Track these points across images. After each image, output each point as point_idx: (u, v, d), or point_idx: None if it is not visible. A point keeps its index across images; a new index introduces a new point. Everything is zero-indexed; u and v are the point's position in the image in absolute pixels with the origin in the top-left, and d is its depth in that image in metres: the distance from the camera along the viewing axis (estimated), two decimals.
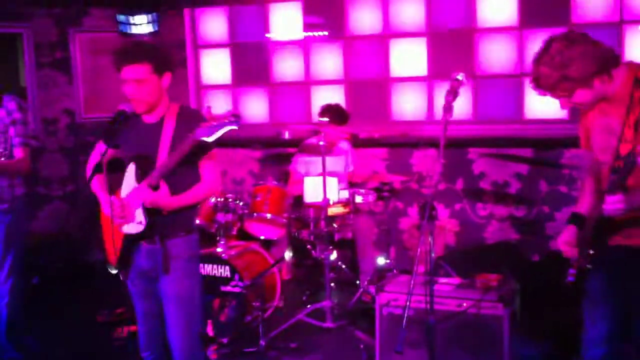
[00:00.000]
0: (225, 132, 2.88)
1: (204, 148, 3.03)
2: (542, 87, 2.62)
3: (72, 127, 6.98)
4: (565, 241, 2.88)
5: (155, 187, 2.97)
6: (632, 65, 2.65)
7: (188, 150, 2.94)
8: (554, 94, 2.63)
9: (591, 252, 2.67)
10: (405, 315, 2.57)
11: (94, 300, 5.28)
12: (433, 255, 3.00)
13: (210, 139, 2.88)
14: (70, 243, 6.44)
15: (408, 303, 2.64)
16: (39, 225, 6.91)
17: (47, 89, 6.88)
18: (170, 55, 3.20)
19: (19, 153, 3.84)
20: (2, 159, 3.68)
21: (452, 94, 2.78)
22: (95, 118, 6.92)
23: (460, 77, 2.78)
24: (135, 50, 3.04)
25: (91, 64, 6.97)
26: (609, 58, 2.59)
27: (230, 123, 2.87)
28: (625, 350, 2.86)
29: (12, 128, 3.83)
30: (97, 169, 3.07)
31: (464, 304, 3.86)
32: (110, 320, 4.99)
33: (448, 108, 2.73)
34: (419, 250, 2.61)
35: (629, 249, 2.69)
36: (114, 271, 3.23)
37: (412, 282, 2.63)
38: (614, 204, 2.43)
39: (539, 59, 2.61)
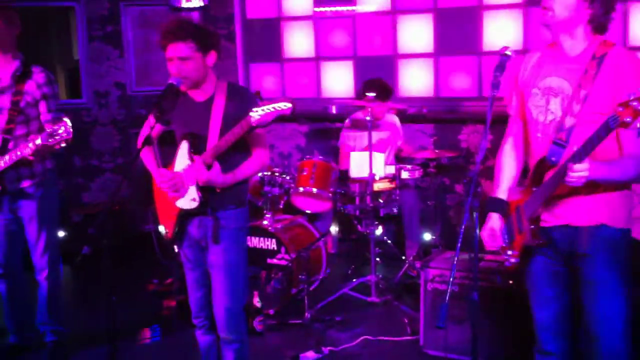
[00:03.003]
0: (279, 116, 2.91)
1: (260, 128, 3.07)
2: None
3: (123, 99, 7.11)
4: (487, 231, 2.84)
5: (209, 166, 3.04)
6: (605, 42, 2.55)
7: (242, 133, 2.99)
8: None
9: (532, 227, 2.61)
10: (449, 290, 2.57)
11: (146, 270, 5.42)
12: (478, 232, 2.99)
13: (264, 125, 2.92)
14: (123, 214, 6.59)
15: (452, 279, 2.65)
16: (91, 197, 7.11)
17: (99, 62, 7.01)
18: (215, 33, 3.21)
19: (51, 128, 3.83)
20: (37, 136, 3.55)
21: (500, 69, 2.74)
22: (146, 91, 7.04)
23: (508, 52, 2.74)
24: (179, 28, 3.07)
25: (142, 37, 7.07)
26: (604, 20, 2.54)
27: (283, 110, 2.90)
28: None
29: (43, 102, 3.79)
30: (147, 141, 3.13)
31: (510, 281, 3.85)
32: (160, 290, 5.11)
33: (496, 84, 2.69)
34: (463, 226, 2.59)
35: (570, 229, 2.62)
36: (169, 242, 3.32)
37: (455, 258, 2.64)
38: (580, 172, 2.33)
39: None
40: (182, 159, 3.18)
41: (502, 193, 2.85)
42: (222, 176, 3.07)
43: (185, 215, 3.22)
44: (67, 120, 3.46)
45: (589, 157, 2.34)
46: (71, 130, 3.43)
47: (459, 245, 2.77)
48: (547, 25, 2.62)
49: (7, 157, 3.65)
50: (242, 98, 3.13)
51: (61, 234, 6.21)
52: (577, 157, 2.35)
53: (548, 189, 2.54)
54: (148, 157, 3.34)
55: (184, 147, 3.17)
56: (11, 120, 3.76)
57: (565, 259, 2.68)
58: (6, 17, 3.79)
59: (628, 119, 2.21)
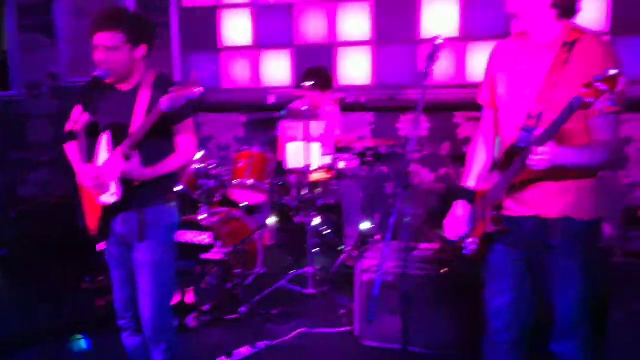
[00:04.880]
0: (190, 102, 2.82)
1: (177, 118, 2.98)
2: None
3: (56, 90, 6.89)
4: (452, 219, 2.82)
5: (127, 157, 2.93)
6: (575, 28, 2.53)
7: (155, 121, 2.88)
8: None
9: (494, 213, 2.61)
10: (378, 283, 2.55)
11: (80, 267, 5.28)
12: (408, 221, 2.97)
13: (173, 111, 2.83)
14: (57, 209, 6.41)
15: (380, 271, 2.63)
16: (28, 191, 6.91)
17: (30, 53, 6.79)
18: (151, 25, 3.10)
19: None
20: None
21: (431, 59, 2.71)
22: (82, 82, 6.82)
23: (440, 40, 2.71)
24: (110, 17, 2.96)
25: (76, 27, 6.85)
26: (569, 3, 2.50)
27: (193, 94, 2.81)
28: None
29: None
30: (70, 135, 3.01)
31: (445, 269, 3.87)
32: (93, 288, 4.99)
33: (427, 73, 2.66)
34: (394, 216, 2.57)
35: (535, 220, 2.60)
36: (94, 239, 3.21)
37: (385, 248, 2.62)
38: (541, 155, 2.31)
39: None
40: (104, 152, 3.06)
41: (470, 181, 2.83)
42: (141, 169, 2.96)
43: (109, 211, 3.09)
44: None
45: (557, 143, 2.31)
46: None
47: (389, 235, 2.75)
48: (511, 14, 2.59)
49: None
50: (166, 88, 2.99)
51: None
52: (540, 140, 2.31)
53: (511, 174, 2.51)
54: (72, 152, 3.21)
55: (105, 139, 3.05)
56: None
57: (526, 248, 2.65)
58: None
59: (590, 100, 2.19)
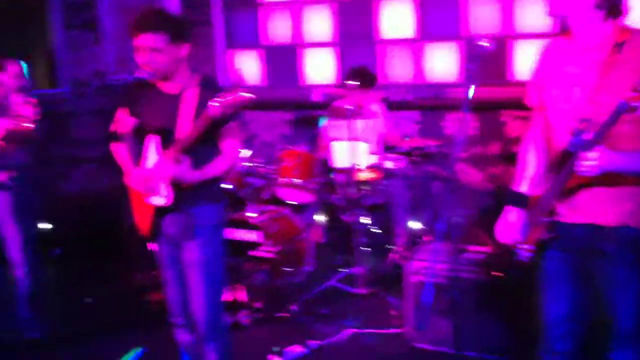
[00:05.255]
0: (239, 108, 2.84)
1: (223, 121, 2.98)
2: None
3: (102, 88, 6.96)
4: (503, 225, 2.76)
5: (177, 161, 2.96)
6: (625, 27, 2.44)
7: (204, 127, 2.91)
8: None
9: (547, 220, 2.56)
10: (428, 288, 2.52)
11: (132, 262, 5.32)
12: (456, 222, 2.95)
13: (223, 116, 2.84)
14: (104, 205, 6.48)
15: (429, 275, 2.59)
16: (73, 187, 6.99)
17: (76, 51, 6.86)
18: (190, 24, 3.12)
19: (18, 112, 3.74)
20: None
21: (476, 60, 2.67)
22: (126, 79, 6.88)
23: (485, 42, 2.67)
24: (152, 18, 2.97)
25: (121, 25, 6.91)
26: (614, 2, 2.42)
27: (243, 100, 2.82)
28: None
29: (16, 94, 3.74)
30: (114, 137, 3.04)
31: (499, 273, 3.82)
32: (145, 284, 5.02)
33: (472, 74, 2.62)
34: (442, 217, 2.55)
35: (590, 227, 2.53)
36: (145, 239, 3.24)
37: (434, 250, 2.60)
38: (591, 160, 2.26)
39: None
40: (152, 154, 3.09)
41: (522, 186, 2.78)
42: (191, 172, 2.99)
43: (159, 212, 3.13)
44: (33, 102, 3.38)
45: (609, 148, 2.26)
46: (37, 111, 3.36)
47: (438, 236, 2.71)
48: (556, 15, 2.54)
49: None
50: (213, 91, 3.00)
51: (44, 226, 6.14)
52: (589, 145, 2.27)
53: (563, 179, 2.46)
54: (119, 152, 3.25)
55: (153, 142, 3.08)
56: None
57: (581, 255, 2.59)
58: None
59: (637, 104, 2.15)
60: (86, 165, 7.00)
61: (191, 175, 3.00)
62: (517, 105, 5.54)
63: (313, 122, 6.35)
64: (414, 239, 5.25)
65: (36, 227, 4.18)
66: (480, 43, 2.74)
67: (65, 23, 6.78)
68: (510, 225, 2.75)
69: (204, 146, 3.02)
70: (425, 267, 4.00)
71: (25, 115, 3.34)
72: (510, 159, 5.71)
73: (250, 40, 6.81)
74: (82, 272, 5.63)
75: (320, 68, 6.59)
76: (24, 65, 3.83)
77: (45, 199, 6.36)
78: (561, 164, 2.46)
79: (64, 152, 6.96)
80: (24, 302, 3.97)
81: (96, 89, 6.94)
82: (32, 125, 3.35)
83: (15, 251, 3.88)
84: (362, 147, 4.94)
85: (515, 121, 5.75)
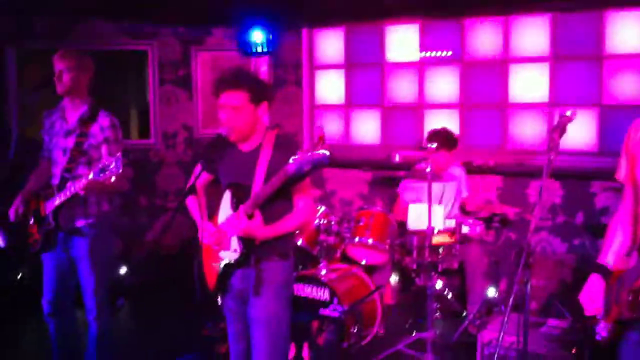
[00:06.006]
0: (316, 166, 2.83)
1: (298, 178, 2.99)
2: None
3: (190, 141, 7.21)
4: (589, 295, 2.63)
5: (250, 216, 2.98)
6: None
7: (281, 184, 2.93)
8: None
9: (630, 298, 2.40)
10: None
11: (203, 312, 5.35)
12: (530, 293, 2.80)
13: (298, 173, 2.85)
14: (179, 255, 6.61)
15: (498, 349, 2.46)
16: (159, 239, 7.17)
17: (169, 105, 7.16)
18: (269, 85, 3.19)
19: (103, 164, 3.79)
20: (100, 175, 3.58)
21: (559, 131, 2.60)
22: (212, 133, 7.10)
23: (569, 113, 2.60)
24: (234, 77, 3.06)
25: (210, 81, 7.18)
26: None
27: (320, 159, 2.81)
28: None
29: (104, 146, 3.82)
30: (191, 190, 3.10)
31: (573, 350, 3.60)
32: (215, 335, 5.03)
33: (554, 145, 2.55)
34: (517, 287, 2.43)
35: None
36: (212, 293, 3.26)
37: (505, 321, 2.47)
38: None
39: None
40: (225, 209, 3.14)
41: (606, 259, 2.70)
42: (263, 228, 3.00)
43: (228, 266, 3.16)
44: (119, 156, 3.45)
45: None
46: (121, 165, 3.41)
47: (510, 307, 2.59)
48: None
49: (62, 194, 3.69)
50: (287, 149, 3.05)
51: (123, 270, 6.31)
52: None
53: None
54: (193, 206, 3.32)
55: (227, 197, 3.13)
56: (72, 160, 3.81)
57: None
58: (80, 62, 3.86)
59: None
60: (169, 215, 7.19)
61: (262, 231, 3.01)
62: (609, 176, 5.41)
63: (392, 183, 6.30)
64: (489, 307, 5.04)
65: (111, 274, 4.25)
66: (566, 114, 2.68)
67: (160, 78, 7.10)
68: (595, 295, 2.64)
69: (276, 202, 3.04)
70: (496, 338, 3.81)
71: (109, 168, 3.42)
72: (596, 230, 5.48)
73: (336, 99, 6.90)
74: (151, 321, 5.69)
75: (402, 129, 6.58)
76: (115, 118, 3.94)
77: (126, 248, 6.61)
78: None
79: (150, 202, 7.19)
80: (92, 347, 4.03)
81: (184, 141, 7.18)
82: (114, 178, 3.43)
83: (87, 296, 3.95)
84: (439, 211, 4.83)
85: (606, 192, 5.51)
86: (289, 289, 3.23)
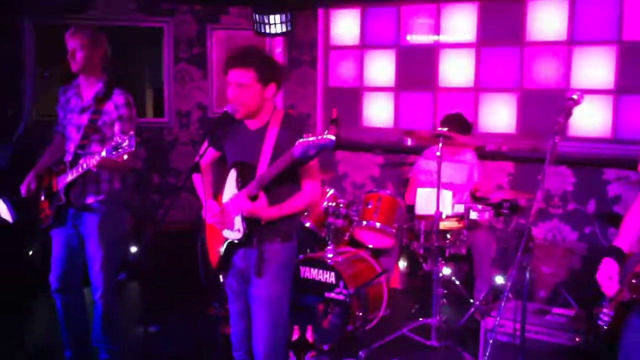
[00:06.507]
0: (322, 150, 2.81)
1: (304, 161, 2.97)
2: None
3: (203, 120, 7.22)
4: (606, 274, 2.61)
5: (254, 197, 2.98)
6: None
7: (285, 166, 2.92)
8: None
9: (633, 281, 2.39)
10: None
11: (208, 293, 5.38)
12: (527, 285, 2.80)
13: (305, 156, 2.83)
14: (188, 234, 6.62)
15: (494, 334, 2.46)
16: (169, 215, 7.21)
17: (183, 83, 7.16)
18: (281, 66, 3.17)
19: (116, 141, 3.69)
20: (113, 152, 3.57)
21: (564, 114, 2.55)
22: None
23: (575, 96, 2.55)
24: (244, 55, 3.04)
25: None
26: None
27: (326, 143, 2.79)
28: None
29: (118, 123, 3.82)
30: (195, 168, 3.10)
31: (577, 339, 3.58)
32: (221, 314, 5.06)
33: (559, 129, 2.51)
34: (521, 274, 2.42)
35: None
36: (215, 271, 3.28)
37: (509, 308, 2.47)
38: None
39: None
40: (230, 188, 3.14)
41: (621, 242, 2.70)
42: (267, 209, 3.01)
43: (231, 245, 3.17)
44: (132, 134, 3.45)
45: None
46: (134, 143, 3.41)
47: (513, 294, 2.58)
48: None
49: (74, 171, 3.71)
50: (294, 128, 3.06)
51: (134, 249, 6.36)
52: None
53: None
54: (198, 183, 3.32)
55: (232, 176, 3.13)
56: (86, 137, 3.82)
57: None
58: (93, 39, 3.84)
59: None
60: (181, 193, 7.21)
61: (267, 211, 3.02)
62: (623, 163, 5.34)
63: (404, 166, 6.28)
64: (496, 294, 5.02)
65: (121, 252, 4.27)
66: (571, 97, 2.64)
67: (175, 56, 7.10)
68: (610, 275, 2.64)
69: (282, 184, 3.04)
70: (502, 325, 3.80)
71: (122, 146, 3.42)
72: (607, 219, 5.42)
73: (350, 80, 6.86)
74: (157, 300, 5.73)
75: (417, 112, 6.53)
76: (130, 96, 3.93)
77: (137, 226, 6.65)
78: None
79: (163, 180, 7.23)
80: (97, 325, 4.06)
81: (198, 120, 7.20)
82: (126, 156, 3.43)
83: (93, 273, 3.97)
84: (448, 195, 4.80)
85: (619, 181, 5.44)
86: (291, 269, 3.24)
